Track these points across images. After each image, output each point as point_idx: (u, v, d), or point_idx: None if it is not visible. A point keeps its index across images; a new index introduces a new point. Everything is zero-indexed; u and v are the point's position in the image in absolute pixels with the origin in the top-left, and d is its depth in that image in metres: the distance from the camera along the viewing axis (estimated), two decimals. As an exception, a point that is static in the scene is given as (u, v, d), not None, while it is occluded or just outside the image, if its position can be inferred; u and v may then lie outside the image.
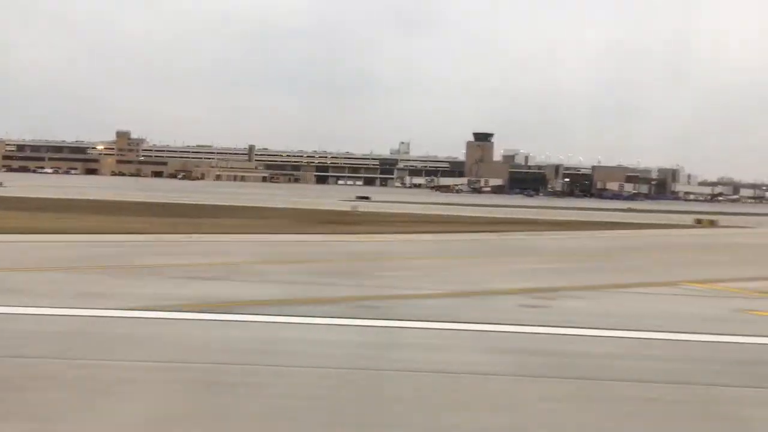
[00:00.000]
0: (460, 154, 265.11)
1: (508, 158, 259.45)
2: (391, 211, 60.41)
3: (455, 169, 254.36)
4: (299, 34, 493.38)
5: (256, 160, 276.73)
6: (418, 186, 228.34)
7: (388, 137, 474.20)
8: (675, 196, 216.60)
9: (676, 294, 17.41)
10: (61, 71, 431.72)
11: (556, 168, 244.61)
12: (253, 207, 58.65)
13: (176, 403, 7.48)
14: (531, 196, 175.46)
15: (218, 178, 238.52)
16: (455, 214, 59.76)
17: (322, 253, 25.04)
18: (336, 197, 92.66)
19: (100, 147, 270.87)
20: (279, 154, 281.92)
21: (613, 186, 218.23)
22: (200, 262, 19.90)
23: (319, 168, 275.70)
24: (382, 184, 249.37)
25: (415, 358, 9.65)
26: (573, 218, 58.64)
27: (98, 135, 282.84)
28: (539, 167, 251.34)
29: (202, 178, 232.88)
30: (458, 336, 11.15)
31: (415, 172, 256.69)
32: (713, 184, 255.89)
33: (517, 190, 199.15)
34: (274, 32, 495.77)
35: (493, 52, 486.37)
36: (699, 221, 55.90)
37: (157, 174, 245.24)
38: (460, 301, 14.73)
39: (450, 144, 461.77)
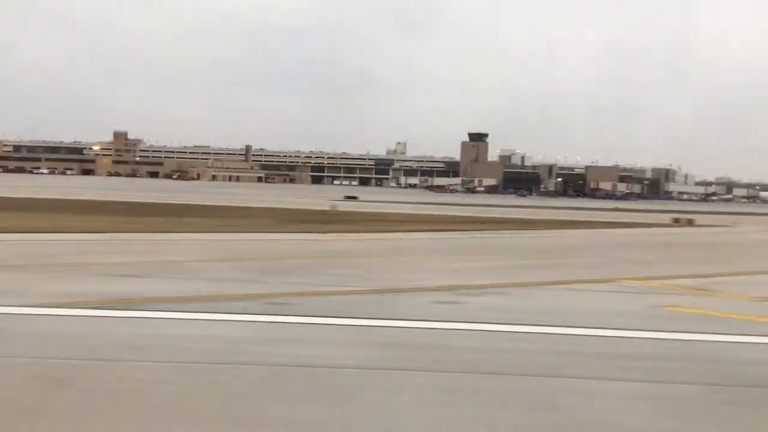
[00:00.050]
0: (456, 154, 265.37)
1: (505, 158, 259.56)
2: (373, 210, 60.38)
3: (450, 169, 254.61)
4: (299, 34, 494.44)
5: (252, 161, 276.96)
6: (413, 186, 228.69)
7: (388, 137, 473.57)
8: (668, 196, 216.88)
9: (608, 291, 17.44)
10: (61, 71, 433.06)
11: (550, 168, 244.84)
12: (236, 207, 58.59)
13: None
14: (524, 196, 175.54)
15: (214, 178, 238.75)
16: (437, 213, 59.74)
17: (276, 252, 24.99)
18: (324, 197, 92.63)
19: (96, 147, 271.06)
20: (276, 154, 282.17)
21: (606, 186, 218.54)
22: (139, 260, 19.89)
23: (315, 168, 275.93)
24: (377, 184, 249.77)
25: (286, 352, 9.66)
26: (552, 218, 58.62)
27: (98, 135, 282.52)
28: (534, 167, 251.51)
29: (198, 178, 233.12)
30: (343, 331, 11.15)
31: (410, 172, 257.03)
32: (709, 184, 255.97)
33: (511, 190, 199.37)
34: (274, 32, 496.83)
35: (493, 52, 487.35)
36: (677, 220, 55.88)
37: (153, 174, 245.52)
38: (374, 298, 14.72)
39: (449, 144, 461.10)
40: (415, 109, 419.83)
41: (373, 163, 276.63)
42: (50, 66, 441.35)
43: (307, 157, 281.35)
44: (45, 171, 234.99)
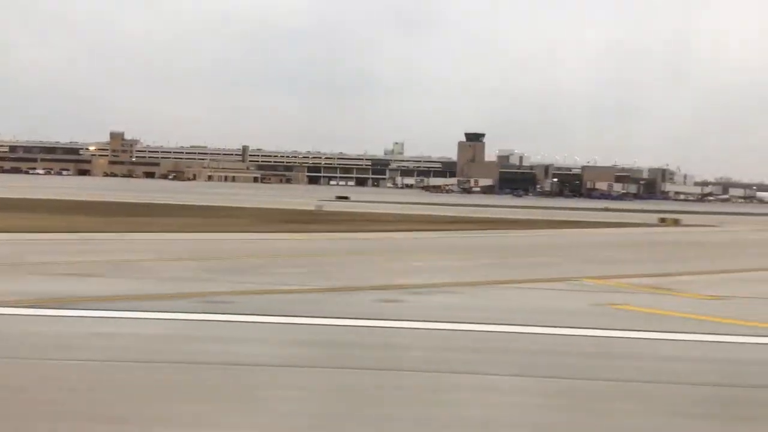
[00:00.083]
0: (454, 154, 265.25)
1: (503, 158, 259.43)
2: (362, 210, 60.32)
3: (447, 169, 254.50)
4: (299, 34, 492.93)
5: (249, 161, 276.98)
6: (410, 186, 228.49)
7: (386, 137, 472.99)
8: (665, 196, 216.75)
9: (563, 289, 17.40)
10: (61, 71, 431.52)
11: (546, 168, 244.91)
12: (222, 207, 58.54)
13: None
14: (520, 196, 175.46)
15: (210, 178, 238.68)
16: (426, 213, 59.65)
17: (242, 251, 24.93)
18: (316, 197, 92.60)
19: (92, 148, 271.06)
20: (273, 154, 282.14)
21: (602, 186, 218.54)
22: (95, 259, 19.87)
23: (312, 169, 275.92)
24: (374, 185, 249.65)
25: (202, 350, 9.63)
26: (542, 218, 58.55)
27: (97, 136, 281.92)
28: (531, 167, 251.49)
29: (194, 178, 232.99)
30: (273, 329, 11.12)
31: (407, 172, 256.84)
32: (706, 184, 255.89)
33: (507, 191, 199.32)
34: (274, 32, 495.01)
35: (493, 52, 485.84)
36: (663, 220, 55.86)
37: (149, 175, 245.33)
38: (320, 296, 14.71)
39: (447, 144, 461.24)
40: (415, 109, 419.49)
41: (370, 164, 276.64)
42: (50, 66, 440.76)
43: (304, 157, 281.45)
44: (41, 171, 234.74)
